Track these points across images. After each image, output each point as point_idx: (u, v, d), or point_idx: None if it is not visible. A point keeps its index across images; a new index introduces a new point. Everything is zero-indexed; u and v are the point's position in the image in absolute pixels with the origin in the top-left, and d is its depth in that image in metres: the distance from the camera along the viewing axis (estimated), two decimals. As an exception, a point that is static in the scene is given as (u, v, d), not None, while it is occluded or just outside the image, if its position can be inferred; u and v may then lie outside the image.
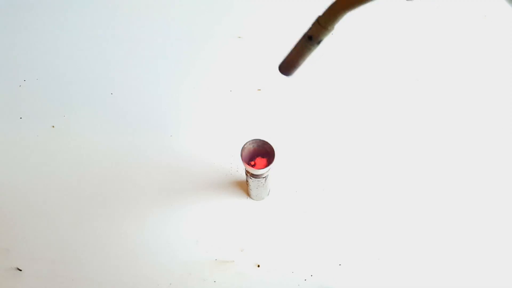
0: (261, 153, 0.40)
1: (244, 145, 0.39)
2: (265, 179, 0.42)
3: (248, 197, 0.48)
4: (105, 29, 0.58)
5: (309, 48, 0.30)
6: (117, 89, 0.54)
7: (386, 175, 0.49)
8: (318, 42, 0.29)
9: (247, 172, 0.42)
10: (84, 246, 0.46)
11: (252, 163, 0.39)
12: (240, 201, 0.48)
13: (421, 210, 0.47)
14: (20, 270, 0.46)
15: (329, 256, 0.45)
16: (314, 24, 0.29)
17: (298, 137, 0.51)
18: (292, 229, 0.46)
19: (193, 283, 0.44)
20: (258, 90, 0.54)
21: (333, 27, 0.28)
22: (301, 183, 0.48)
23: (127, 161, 0.50)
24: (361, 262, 0.44)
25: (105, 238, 0.47)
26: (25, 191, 0.48)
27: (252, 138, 0.40)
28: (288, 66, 0.32)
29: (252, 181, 0.42)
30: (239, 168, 0.49)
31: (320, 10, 0.28)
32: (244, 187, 0.48)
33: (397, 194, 0.48)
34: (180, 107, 0.53)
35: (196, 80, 0.55)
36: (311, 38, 0.29)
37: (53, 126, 0.52)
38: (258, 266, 0.44)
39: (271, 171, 0.42)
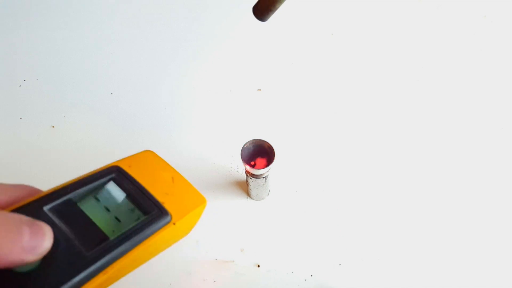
0: (261, 153, 0.40)
1: (244, 145, 0.39)
2: (265, 179, 0.42)
3: (248, 197, 0.48)
4: (105, 29, 0.58)
5: None
6: (117, 89, 0.54)
7: (387, 176, 0.49)
8: None
9: (247, 172, 0.42)
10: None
11: (252, 163, 0.39)
12: (240, 201, 0.48)
13: (421, 210, 0.47)
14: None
15: (329, 256, 0.45)
16: None
17: (298, 137, 0.51)
18: (292, 229, 0.46)
19: (193, 283, 0.44)
20: (258, 90, 0.54)
21: None
22: (301, 183, 0.48)
23: (127, 161, 0.50)
24: (361, 262, 0.44)
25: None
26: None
27: (252, 138, 0.40)
28: (263, 8, 0.28)
29: (252, 181, 0.42)
30: (239, 168, 0.49)
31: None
32: (244, 187, 0.48)
33: (397, 194, 0.48)
34: (180, 107, 0.53)
35: (196, 80, 0.55)
36: None
37: (53, 126, 0.52)
38: (258, 266, 0.44)
39: (271, 171, 0.42)
